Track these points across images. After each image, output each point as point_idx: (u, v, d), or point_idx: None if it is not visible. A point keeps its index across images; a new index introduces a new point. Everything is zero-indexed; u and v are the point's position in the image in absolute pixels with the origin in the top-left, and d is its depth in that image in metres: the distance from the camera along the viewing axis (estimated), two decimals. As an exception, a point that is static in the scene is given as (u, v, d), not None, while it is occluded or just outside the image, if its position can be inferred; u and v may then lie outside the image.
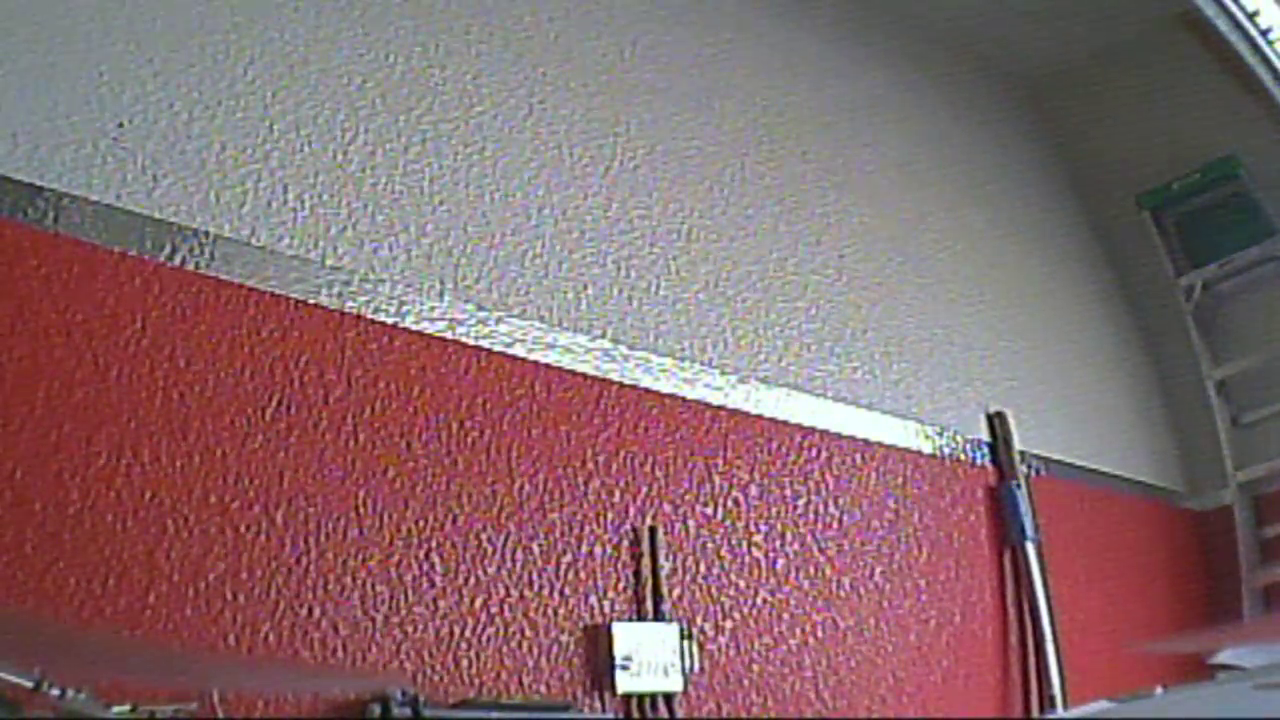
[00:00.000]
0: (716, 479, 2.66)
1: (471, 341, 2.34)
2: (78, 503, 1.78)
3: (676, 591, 2.48)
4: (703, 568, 2.56)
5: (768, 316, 2.96)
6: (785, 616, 2.67)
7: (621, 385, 2.55)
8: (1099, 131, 4.10)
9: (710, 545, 2.59)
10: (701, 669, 2.45)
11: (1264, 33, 3.27)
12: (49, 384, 1.80)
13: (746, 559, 2.65)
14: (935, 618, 3.00)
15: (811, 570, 2.77)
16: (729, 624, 2.56)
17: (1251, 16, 3.25)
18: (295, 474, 2.03)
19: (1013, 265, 3.81)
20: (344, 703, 1.94)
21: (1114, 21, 3.79)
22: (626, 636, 2.33)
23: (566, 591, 2.32)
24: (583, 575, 2.36)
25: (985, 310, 3.62)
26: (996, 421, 3.40)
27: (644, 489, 2.51)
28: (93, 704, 1.27)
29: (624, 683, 2.29)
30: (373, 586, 2.06)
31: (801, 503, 2.81)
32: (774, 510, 2.75)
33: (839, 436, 2.96)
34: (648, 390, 2.60)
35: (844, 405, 3.03)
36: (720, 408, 2.73)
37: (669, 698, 2.37)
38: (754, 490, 2.72)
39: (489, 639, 2.18)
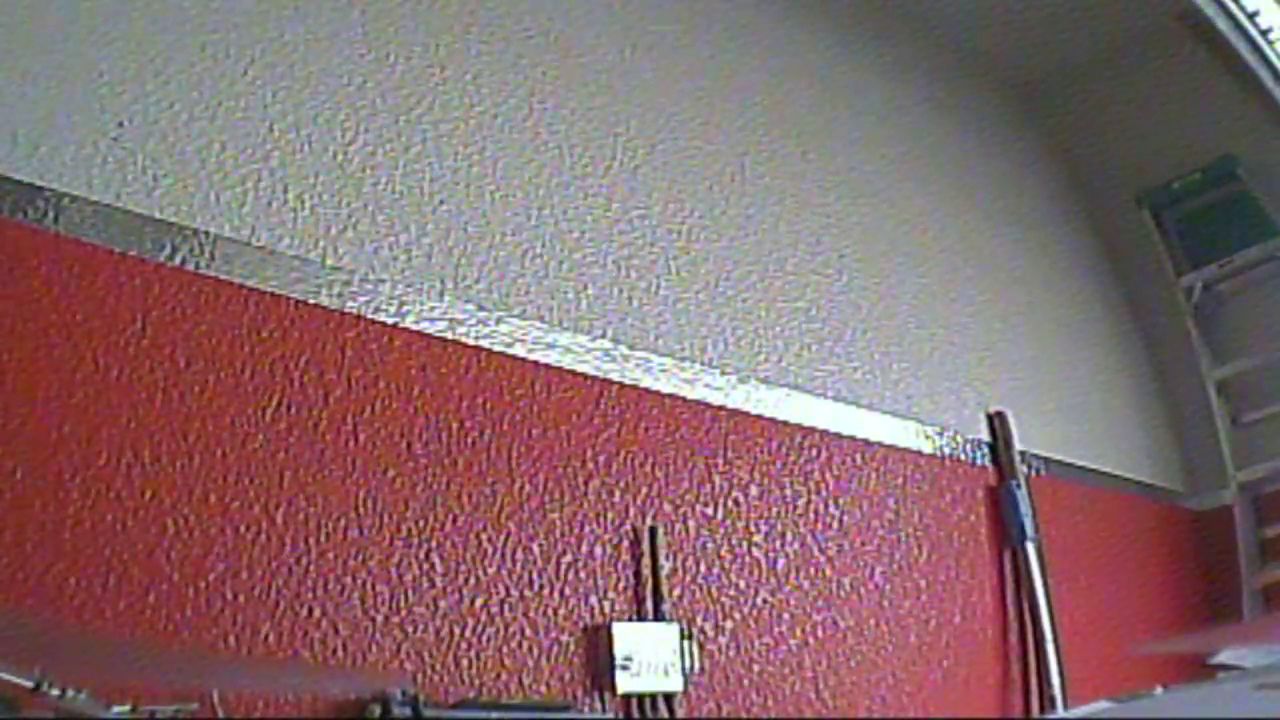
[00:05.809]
0: (716, 479, 2.66)
1: (471, 341, 2.34)
2: (78, 503, 1.78)
3: (676, 591, 2.48)
4: (703, 568, 2.56)
5: (768, 316, 2.96)
6: (785, 616, 2.67)
7: (621, 385, 2.55)
8: (1099, 131, 4.11)
9: (710, 545, 2.59)
10: (701, 669, 2.44)
11: (1264, 33, 3.27)
12: (49, 384, 1.80)
13: (746, 559, 2.65)
14: (935, 618, 3.00)
15: (811, 570, 2.77)
16: (729, 624, 2.56)
17: (1251, 16, 3.25)
18: (295, 474, 2.03)
19: (1013, 265, 3.81)
20: (344, 703, 1.94)
21: (1114, 22, 3.79)
22: (626, 636, 2.33)
23: (566, 591, 2.32)
24: (583, 575, 2.35)
25: (985, 310, 3.62)
26: (996, 421, 3.40)
27: (644, 489, 2.51)
28: (93, 704, 1.26)
29: (624, 683, 2.28)
30: (373, 586, 2.06)
31: (801, 503, 2.81)
32: (774, 510, 2.75)
33: (839, 436, 2.96)
34: (648, 390, 2.60)
35: (844, 405, 3.03)
36: (720, 408, 2.73)
37: (669, 698, 2.37)
38: (754, 490, 2.72)
39: (489, 639, 2.18)
